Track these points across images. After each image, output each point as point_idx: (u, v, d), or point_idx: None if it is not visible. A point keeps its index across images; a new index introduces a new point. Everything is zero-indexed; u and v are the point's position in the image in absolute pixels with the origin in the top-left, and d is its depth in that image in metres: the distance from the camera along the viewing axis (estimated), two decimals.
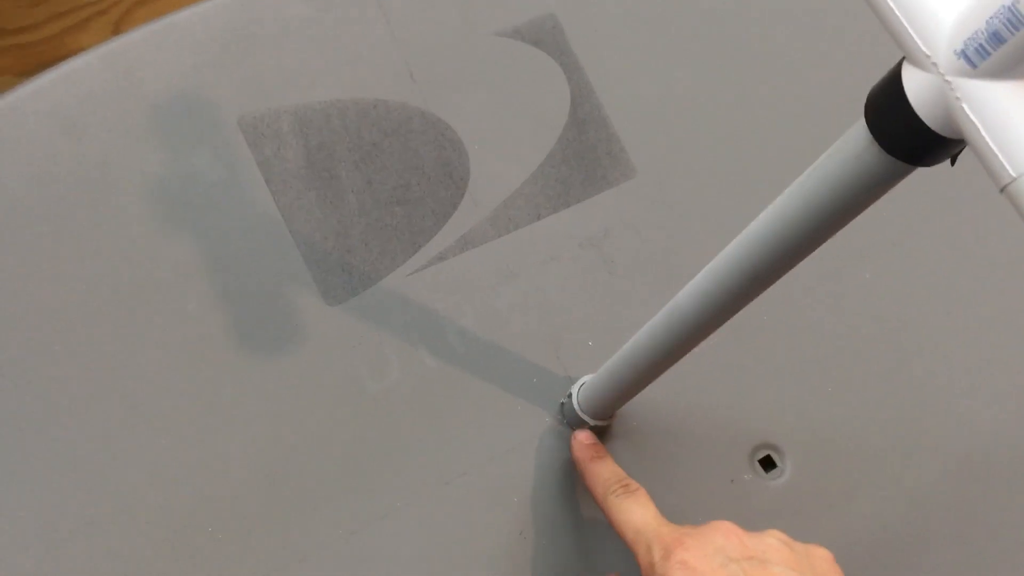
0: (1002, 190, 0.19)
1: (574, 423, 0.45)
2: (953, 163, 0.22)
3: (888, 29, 0.20)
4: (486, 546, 0.43)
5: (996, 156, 0.19)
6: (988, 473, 0.49)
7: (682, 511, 0.46)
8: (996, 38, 0.18)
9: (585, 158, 0.51)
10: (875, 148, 0.22)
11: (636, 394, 0.41)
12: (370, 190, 0.48)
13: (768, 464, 0.47)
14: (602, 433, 0.46)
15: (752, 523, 0.46)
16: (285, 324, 0.44)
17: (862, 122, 0.22)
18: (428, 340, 0.46)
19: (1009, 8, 0.17)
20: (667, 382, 0.47)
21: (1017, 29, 0.17)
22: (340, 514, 0.42)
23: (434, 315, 0.47)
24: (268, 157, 0.47)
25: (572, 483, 0.45)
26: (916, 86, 0.20)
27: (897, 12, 0.20)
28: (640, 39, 0.54)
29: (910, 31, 0.20)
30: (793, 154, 0.46)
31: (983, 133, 0.19)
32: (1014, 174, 0.19)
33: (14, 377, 0.41)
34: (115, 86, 0.46)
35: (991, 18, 0.18)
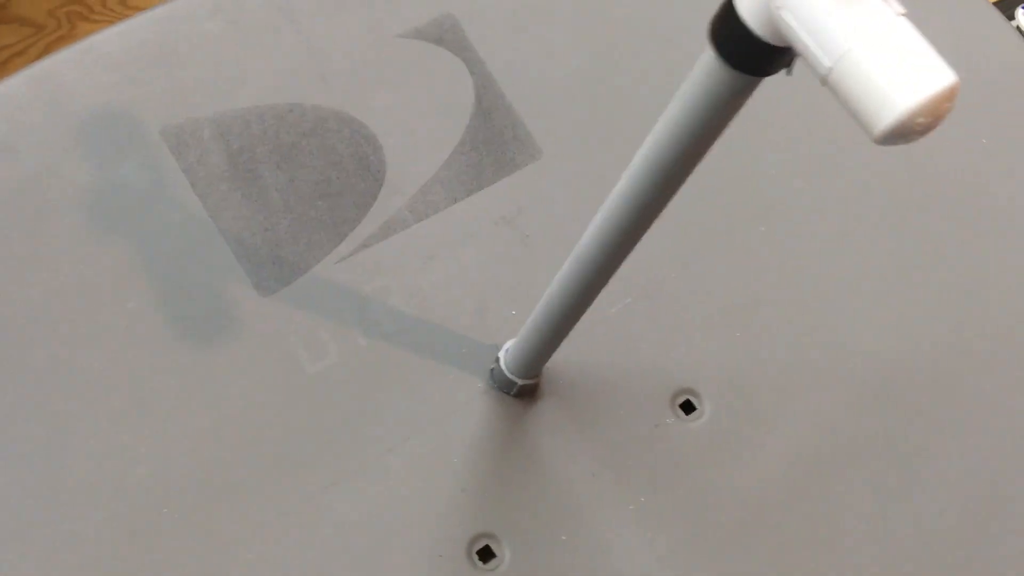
0: (823, 83, 0.23)
1: (503, 385, 0.48)
2: (789, 72, 0.26)
3: None
4: (431, 504, 0.46)
5: (812, 51, 0.23)
6: (892, 401, 0.53)
7: (609, 457, 0.49)
8: None
9: (493, 143, 0.55)
10: (720, 64, 0.26)
11: (556, 346, 0.44)
12: (293, 187, 0.51)
13: (688, 408, 0.51)
14: (531, 392, 0.49)
15: (675, 463, 0.50)
16: (222, 316, 0.47)
17: (710, 47, 0.26)
18: (360, 321, 0.49)
19: None
20: (589, 340, 0.51)
21: None
22: (290, 487, 0.44)
23: (364, 298, 0.50)
24: (192, 163, 0.49)
25: (505, 441, 0.48)
26: (745, 4, 0.24)
27: None
28: (534, 29, 0.58)
29: None
30: None
31: (799, 32, 0.23)
32: (828, 64, 0.23)
33: None
34: (42, 105, 0.48)
35: None
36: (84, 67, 0.49)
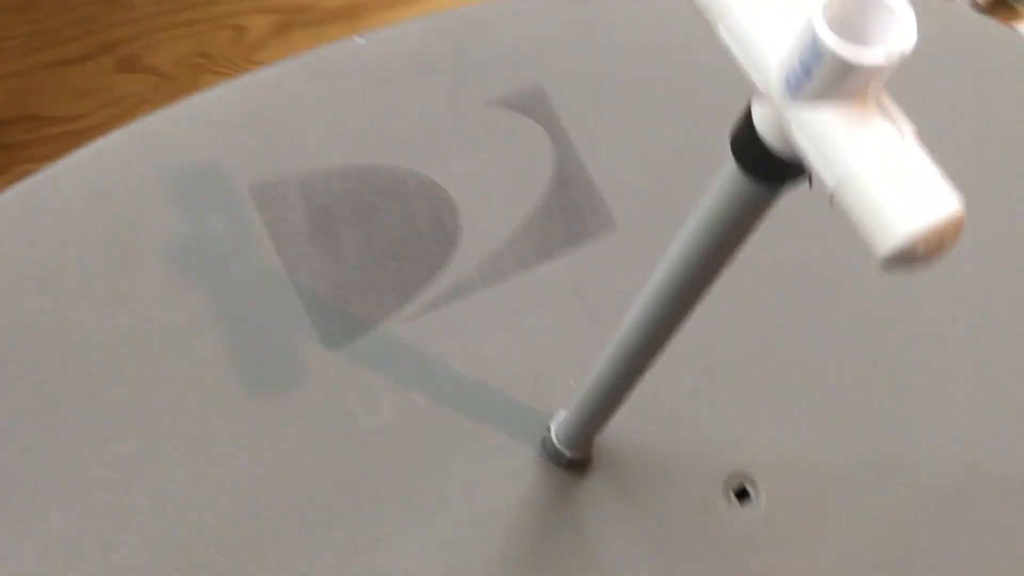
0: (830, 201, 0.23)
1: (554, 457, 0.48)
2: (811, 185, 0.26)
3: (741, 72, 0.24)
4: (471, 571, 0.46)
5: (819, 169, 0.23)
6: (962, 512, 0.51)
7: (656, 541, 0.49)
8: (807, 71, 0.22)
9: (569, 213, 0.55)
10: (741, 176, 0.26)
11: (604, 422, 0.44)
12: (368, 246, 0.52)
13: (743, 495, 0.50)
14: (582, 466, 0.49)
15: (727, 554, 0.49)
16: (287, 366, 0.49)
17: (732, 158, 0.26)
18: (419, 381, 0.50)
19: (812, 45, 0.21)
20: (647, 416, 0.51)
21: (819, 63, 0.21)
22: (334, 540, 0.45)
23: (425, 358, 0.51)
24: (274, 219, 0.52)
25: (553, 512, 0.48)
26: (761, 118, 0.24)
27: (740, 58, 0.24)
28: (621, 103, 0.58)
29: (749, 72, 0.24)
30: None
31: (807, 149, 0.23)
32: (832, 183, 0.22)
33: (46, 407, 0.45)
34: (140, 160, 0.51)
35: (801, 54, 0.22)
36: (183, 124, 0.52)
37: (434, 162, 0.55)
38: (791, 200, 0.28)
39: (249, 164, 0.53)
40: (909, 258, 0.22)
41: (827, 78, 0.22)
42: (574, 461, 0.48)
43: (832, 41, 0.21)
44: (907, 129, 0.22)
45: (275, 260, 0.51)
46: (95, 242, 0.49)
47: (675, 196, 0.56)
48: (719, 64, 0.26)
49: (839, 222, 0.23)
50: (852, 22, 0.22)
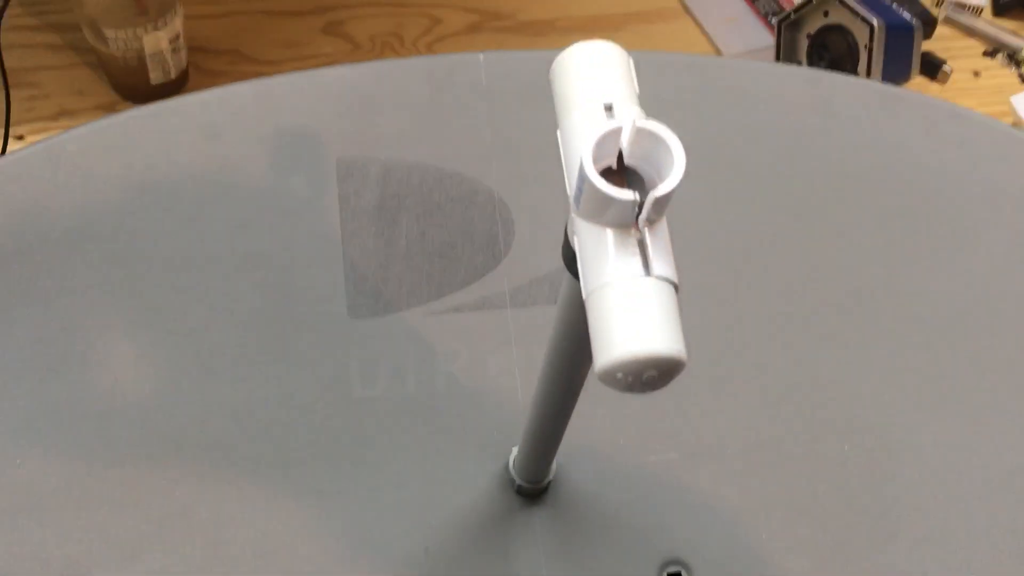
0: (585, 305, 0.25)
1: (510, 480, 0.51)
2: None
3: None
4: (383, 547, 0.50)
5: (581, 279, 0.25)
6: None
7: None
8: (579, 188, 0.24)
9: None
10: (569, 275, 0.28)
11: (541, 459, 0.47)
12: (421, 240, 0.57)
13: None
14: (535, 495, 0.52)
15: None
16: (309, 318, 0.54)
17: None
18: (419, 371, 0.54)
19: (580, 168, 0.24)
20: (611, 468, 0.52)
21: (583, 185, 0.24)
22: (288, 480, 0.51)
23: (432, 353, 0.55)
24: (349, 192, 0.58)
25: (490, 530, 0.51)
26: (570, 220, 0.27)
27: (563, 161, 0.26)
28: (712, 180, 0.60)
29: (565, 175, 0.26)
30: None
31: (579, 260, 0.25)
32: (584, 294, 0.25)
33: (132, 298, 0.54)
34: (258, 110, 0.59)
35: (578, 174, 0.24)
36: (302, 91, 0.59)
37: (511, 184, 0.59)
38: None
39: (346, 140, 0.59)
40: (612, 383, 0.24)
41: (590, 200, 0.24)
42: (523, 489, 0.51)
43: (589, 168, 0.23)
44: (661, 266, 0.24)
45: (335, 228, 0.57)
46: (198, 171, 0.57)
47: (723, 270, 0.57)
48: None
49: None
50: (639, 150, 0.24)
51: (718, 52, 0.97)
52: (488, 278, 0.57)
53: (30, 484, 0.49)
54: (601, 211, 0.24)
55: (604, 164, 0.25)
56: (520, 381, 0.55)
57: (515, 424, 0.54)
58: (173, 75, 0.87)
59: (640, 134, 0.24)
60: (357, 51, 0.90)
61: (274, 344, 0.54)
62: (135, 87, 0.87)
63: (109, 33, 0.82)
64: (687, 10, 1.02)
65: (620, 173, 0.26)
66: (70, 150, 0.55)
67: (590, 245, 0.24)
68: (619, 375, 0.23)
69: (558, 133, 0.27)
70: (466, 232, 0.58)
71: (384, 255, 0.57)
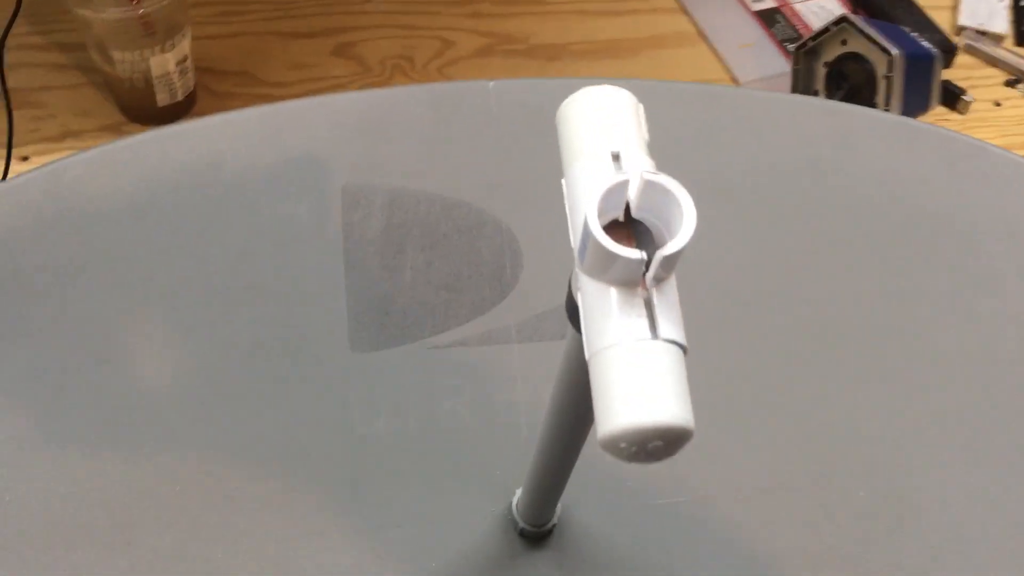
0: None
1: (512, 522, 0.50)
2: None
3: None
4: None
5: (584, 337, 0.23)
6: None
7: None
8: (584, 243, 0.23)
9: None
10: (572, 330, 0.27)
11: (543, 504, 0.45)
12: (427, 270, 0.56)
13: None
14: (538, 540, 0.50)
15: None
16: (310, 351, 0.53)
17: None
18: (421, 408, 0.53)
19: (584, 222, 0.22)
20: (604, 504, 0.51)
21: (588, 240, 0.22)
22: (284, 519, 0.49)
23: (435, 389, 0.53)
24: (353, 221, 0.56)
25: (487, 571, 0.49)
26: (573, 276, 0.25)
27: (568, 212, 0.25)
28: (722, 211, 0.58)
29: (570, 227, 0.25)
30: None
31: (581, 318, 0.24)
32: (588, 355, 0.23)
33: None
34: (263, 137, 0.58)
35: (582, 229, 0.23)
36: (313, 117, 0.58)
37: (519, 215, 0.57)
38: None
39: (352, 167, 0.58)
40: (614, 452, 0.22)
41: (594, 257, 0.22)
42: (526, 532, 0.50)
43: (594, 224, 0.22)
44: (669, 328, 0.23)
45: (339, 258, 0.55)
46: (201, 198, 0.56)
47: (750, 315, 0.55)
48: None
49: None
50: (647, 203, 0.23)
51: (734, 79, 0.96)
52: (494, 311, 0.56)
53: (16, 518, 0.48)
54: (605, 268, 0.22)
55: (610, 217, 0.24)
56: (525, 419, 0.53)
57: (519, 464, 0.53)
58: (180, 97, 0.86)
59: (648, 187, 0.23)
60: (367, 74, 0.89)
61: (273, 377, 0.53)
62: (142, 109, 0.86)
63: (116, 55, 0.81)
64: (703, 36, 1.00)
65: (627, 226, 0.24)
66: (72, 175, 0.54)
67: (594, 303, 0.23)
68: (622, 445, 0.22)
69: (563, 182, 0.25)
70: (473, 263, 0.56)
71: (388, 286, 0.56)
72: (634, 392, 0.22)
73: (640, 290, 0.23)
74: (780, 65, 0.98)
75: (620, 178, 0.22)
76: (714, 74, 0.95)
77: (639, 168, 0.23)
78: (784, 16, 1.05)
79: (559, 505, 0.49)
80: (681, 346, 0.23)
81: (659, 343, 0.22)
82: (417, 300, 0.55)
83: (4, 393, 0.50)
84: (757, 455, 0.52)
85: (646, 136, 0.26)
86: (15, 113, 0.82)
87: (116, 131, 0.85)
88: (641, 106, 0.26)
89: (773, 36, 1.02)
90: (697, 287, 0.56)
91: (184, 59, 0.85)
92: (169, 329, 0.53)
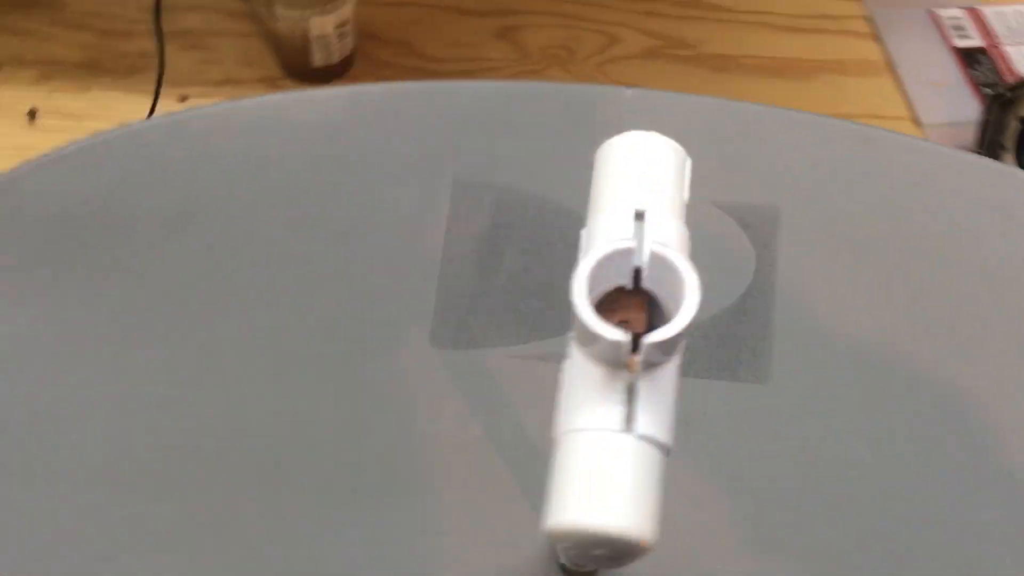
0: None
1: (556, 557, 0.47)
2: None
3: None
4: None
5: (557, 411, 0.21)
6: None
7: None
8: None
9: (726, 344, 0.52)
10: None
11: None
12: (522, 276, 0.54)
13: None
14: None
15: None
16: (387, 341, 0.52)
17: None
18: (489, 415, 0.51)
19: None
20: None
21: (575, 312, 0.20)
22: (329, 507, 0.49)
23: (508, 398, 0.51)
24: (458, 214, 0.55)
25: None
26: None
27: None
28: (844, 269, 0.53)
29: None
30: None
31: (562, 386, 0.21)
32: (555, 434, 0.21)
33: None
34: (385, 115, 0.57)
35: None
36: (438, 101, 0.57)
37: None
38: None
39: (467, 159, 0.56)
40: (560, 546, 0.20)
41: (579, 327, 0.20)
42: (567, 569, 0.47)
43: (579, 291, 0.19)
44: (650, 423, 0.20)
45: (437, 248, 0.54)
46: (311, 169, 0.56)
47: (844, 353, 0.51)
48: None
49: None
50: (656, 275, 0.20)
51: (915, 119, 0.88)
52: None
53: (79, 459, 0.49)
54: (590, 342, 0.20)
55: (615, 284, 0.21)
56: None
57: None
58: (336, 59, 0.87)
59: (656, 260, 0.20)
60: (524, 60, 0.87)
61: (346, 356, 0.52)
62: (298, 66, 0.88)
63: (279, 10, 0.83)
64: (891, 66, 0.93)
65: (641, 296, 0.21)
66: (195, 127, 0.56)
67: (574, 377, 0.21)
68: (564, 544, 0.19)
69: (582, 233, 0.23)
70: (570, 277, 0.54)
71: (481, 286, 0.54)
72: (586, 490, 0.19)
73: (627, 374, 0.20)
74: (971, 111, 0.89)
75: (623, 245, 0.20)
76: (893, 110, 0.88)
77: (656, 235, 0.20)
78: (989, 58, 0.95)
79: None
80: (661, 446, 0.20)
81: (631, 439, 0.20)
82: (507, 305, 0.53)
83: (84, 331, 0.52)
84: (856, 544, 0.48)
85: (686, 197, 0.23)
86: (184, 54, 0.86)
87: (272, 85, 0.87)
88: (689, 161, 0.23)
89: (971, 78, 0.93)
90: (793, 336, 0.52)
91: (344, 23, 0.86)
92: (253, 295, 0.53)
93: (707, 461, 0.51)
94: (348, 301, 0.54)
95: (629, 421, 0.19)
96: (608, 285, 0.21)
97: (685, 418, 0.51)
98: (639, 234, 0.21)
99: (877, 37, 0.96)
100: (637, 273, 0.21)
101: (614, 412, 0.20)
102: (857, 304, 0.53)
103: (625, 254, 0.20)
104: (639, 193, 0.22)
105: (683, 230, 0.21)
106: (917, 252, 0.54)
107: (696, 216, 0.58)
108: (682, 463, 0.50)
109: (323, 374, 0.52)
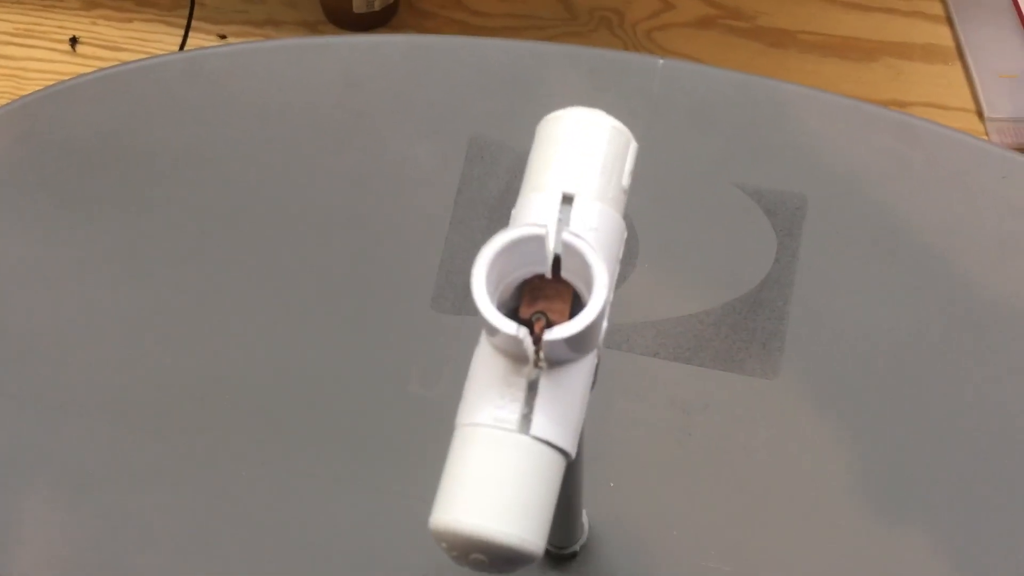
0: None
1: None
2: None
3: None
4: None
5: (462, 398, 0.20)
6: None
7: None
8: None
9: (737, 335, 0.50)
10: None
11: (565, 526, 0.42)
12: None
13: None
14: (564, 560, 0.46)
15: None
16: (388, 300, 0.51)
17: None
18: None
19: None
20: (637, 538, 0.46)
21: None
22: (313, 462, 0.48)
23: None
24: (471, 176, 0.53)
25: None
26: None
27: None
28: (869, 266, 0.50)
29: None
30: None
31: (468, 375, 0.20)
32: (456, 423, 0.19)
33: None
34: (405, 69, 0.55)
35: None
36: (461, 57, 0.55)
37: (643, 208, 0.52)
38: None
39: (486, 119, 0.54)
40: (442, 546, 0.18)
41: (481, 321, 0.18)
42: (548, 551, 0.46)
43: (477, 277, 0.18)
44: (546, 425, 0.18)
45: (447, 211, 0.53)
46: (327, 118, 0.55)
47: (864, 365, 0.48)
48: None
49: None
50: (572, 265, 0.19)
51: (979, 111, 0.84)
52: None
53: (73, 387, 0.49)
54: (491, 333, 0.18)
55: (532, 271, 0.19)
56: (589, 434, 0.49)
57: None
58: (377, 7, 0.85)
59: (568, 249, 0.18)
60: (572, 21, 0.84)
61: (345, 312, 0.51)
62: (339, 12, 0.86)
63: None
64: (960, 53, 0.88)
65: (564, 284, 0.20)
66: (211, 67, 0.55)
67: (477, 367, 0.19)
68: (443, 544, 0.18)
69: (512, 212, 0.21)
70: None
71: None
72: (471, 490, 0.18)
73: (529, 369, 0.19)
74: None
75: (533, 231, 0.18)
76: (956, 100, 0.83)
77: (580, 222, 0.19)
78: None
79: (585, 531, 0.46)
80: (559, 450, 0.18)
81: (526, 440, 0.18)
82: None
83: (85, 259, 0.52)
84: (824, 535, 0.46)
85: (625, 183, 0.21)
86: None
87: (311, 28, 0.86)
88: (635, 145, 0.21)
89: None
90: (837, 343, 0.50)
91: None
92: (256, 239, 0.52)
93: (702, 453, 0.49)
94: (351, 253, 0.52)
95: (525, 421, 0.18)
96: (529, 271, 0.19)
97: (685, 407, 0.50)
98: (563, 220, 0.19)
99: (949, 21, 0.91)
100: (557, 261, 0.19)
101: (509, 410, 0.18)
102: (878, 304, 0.50)
103: (537, 240, 0.18)
104: (572, 176, 0.20)
105: (615, 219, 0.20)
106: (947, 253, 0.51)
107: (719, 199, 0.56)
108: (676, 450, 0.49)
109: (322, 324, 0.51)
